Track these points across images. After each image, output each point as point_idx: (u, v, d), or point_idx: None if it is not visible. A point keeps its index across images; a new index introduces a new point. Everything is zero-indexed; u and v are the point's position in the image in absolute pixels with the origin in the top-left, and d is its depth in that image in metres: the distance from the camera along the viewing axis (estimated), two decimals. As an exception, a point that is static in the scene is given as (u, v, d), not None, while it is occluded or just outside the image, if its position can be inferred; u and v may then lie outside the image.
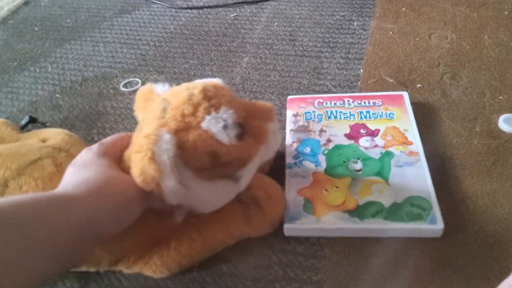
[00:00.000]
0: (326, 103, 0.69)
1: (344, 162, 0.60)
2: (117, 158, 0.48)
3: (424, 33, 0.85)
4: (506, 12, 0.87)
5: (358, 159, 0.60)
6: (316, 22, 0.92)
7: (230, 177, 0.48)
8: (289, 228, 0.54)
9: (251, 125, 0.49)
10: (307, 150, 0.62)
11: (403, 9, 0.92)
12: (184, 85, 0.49)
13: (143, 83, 0.80)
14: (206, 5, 1.00)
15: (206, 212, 0.50)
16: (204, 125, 0.45)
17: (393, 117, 0.65)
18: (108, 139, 0.50)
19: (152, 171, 0.42)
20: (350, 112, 0.67)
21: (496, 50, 0.79)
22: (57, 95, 0.80)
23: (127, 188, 0.44)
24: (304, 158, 0.61)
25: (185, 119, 0.45)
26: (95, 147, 0.48)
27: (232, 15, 0.96)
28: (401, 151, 0.60)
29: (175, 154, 0.43)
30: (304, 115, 0.67)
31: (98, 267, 0.52)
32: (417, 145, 0.61)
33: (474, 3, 0.91)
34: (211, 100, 0.46)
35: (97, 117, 0.75)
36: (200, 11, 0.98)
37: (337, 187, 0.57)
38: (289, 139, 0.64)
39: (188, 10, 0.99)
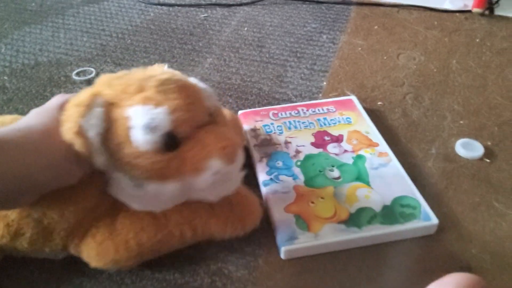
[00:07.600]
0: (281, 114, 0.66)
1: (320, 171, 0.57)
2: None
3: (393, 53, 0.83)
4: (477, 40, 0.87)
5: (333, 166, 0.57)
6: (286, 31, 0.89)
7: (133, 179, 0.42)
8: (288, 250, 0.49)
9: (186, 148, 0.41)
10: (279, 164, 0.58)
11: (376, 27, 0.90)
12: (163, 68, 0.46)
13: (97, 74, 0.76)
14: (178, 3, 0.97)
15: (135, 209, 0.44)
16: (130, 110, 0.40)
17: (350, 121, 0.64)
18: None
19: (79, 147, 0.39)
20: (308, 120, 0.65)
21: (463, 75, 0.78)
22: (5, 77, 0.76)
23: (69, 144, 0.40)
24: (279, 173, 0.57)
25: (121, 95, 0.41)
26: (65, 96, 0.45)
27: (203, 15, 0.94)
28: (371, 154, 0.59)
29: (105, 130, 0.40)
30: (263, 128, 0.64)
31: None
32: (383, 146, 0.60)
33: (447, 28, 0.90)
34: (160, 94, 0.40)
35: (43, 102, 0.70)
36: (170, 8, 0.96)
37: (322, 197, 0.53)
38: (256, 155, 0.60)
39: (158, 6, 0.96)
